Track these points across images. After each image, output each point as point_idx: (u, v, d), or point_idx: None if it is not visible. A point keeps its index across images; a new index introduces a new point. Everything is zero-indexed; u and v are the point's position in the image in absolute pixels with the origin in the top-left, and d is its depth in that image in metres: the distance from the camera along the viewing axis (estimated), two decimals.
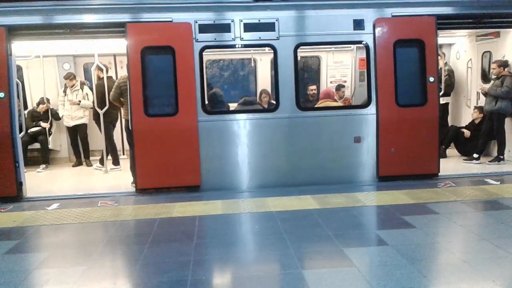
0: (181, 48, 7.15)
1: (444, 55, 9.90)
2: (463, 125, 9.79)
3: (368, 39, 7.48)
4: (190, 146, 7.22)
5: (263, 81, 10.42)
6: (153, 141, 7.17)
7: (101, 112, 8.93)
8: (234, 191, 7.31)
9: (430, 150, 7.62)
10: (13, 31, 7.06)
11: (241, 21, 7.28)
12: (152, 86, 7.25)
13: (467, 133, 9.36)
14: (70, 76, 9.54)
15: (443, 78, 9.40)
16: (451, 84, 9.89)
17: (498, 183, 7.26)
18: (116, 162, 9.40)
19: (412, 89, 7.62)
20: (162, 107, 7.35)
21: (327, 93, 8.54)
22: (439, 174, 7.71)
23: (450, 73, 9.87)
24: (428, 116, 7.55)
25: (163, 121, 7.23)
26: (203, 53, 7.27)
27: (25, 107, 9.82)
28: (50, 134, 9.93)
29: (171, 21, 7.15)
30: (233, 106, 8.95)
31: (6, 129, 7.02)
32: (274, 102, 7.74)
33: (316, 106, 8.28)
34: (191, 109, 7.19)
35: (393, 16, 7.47)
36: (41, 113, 9.90)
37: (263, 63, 10.48)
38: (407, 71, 7.60)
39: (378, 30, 7.41)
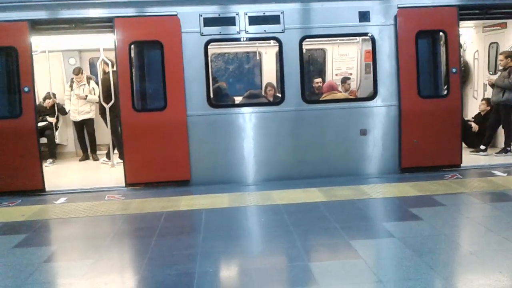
0: (169, 43, 7.12)
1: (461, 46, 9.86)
2: (470, 116, 9.73)
3: (374, 31, 7.43)
4: (179, 141, 7.21)
5: (268, 74, 10.40)
6: (142, 135, 7.18)
7: (107, 106, 8.95)
8: (232, 185, 7.25)
9: (452, 141, 7.61)
10: (36, 25, 7.09)
11: (246, 14, 7.26)
12: (140, 81, 7.31)
13: (475, 127, 9.28)
14: (79, 71, 9.57)
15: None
16: (465, 75, 9.82)
17: (505, 174, 7.22)
18: (122, 156, 9.40)
19: (435, 81, 7.63)
20: (150, 102, 7.39)
21: (331, 85, 8.53)
22: (461, 165, 7.69)
23: (466, 65, 9.81)
24: (451, 107, 7.53)
25: (151, 116, 7.24)
26: (208, 47, 7.26)
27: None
28: (56, 129, 9.97)
29: (176, 15, 7.13)
30: (238, 99, 8.94)
31: (32, 123, 7.10)
32: (280, 95, 7.73)
33: (322, 99, 8.25)
34: (179, 103, 7.16)
35: (398, 7, 7.41)
36: (48, 108, 9.93)
37: (268, 56, 10.45)
38: (430, 63, 7.59)
39: (400, 20, 7.36)
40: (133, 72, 7.18)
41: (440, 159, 7.63)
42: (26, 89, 7.02)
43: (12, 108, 7.33)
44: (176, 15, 7.12)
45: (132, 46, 7.14)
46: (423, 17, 7.45)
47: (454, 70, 7.50)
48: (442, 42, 7.62)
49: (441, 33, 7.59)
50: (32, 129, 7.11)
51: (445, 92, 7.62)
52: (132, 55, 7.17)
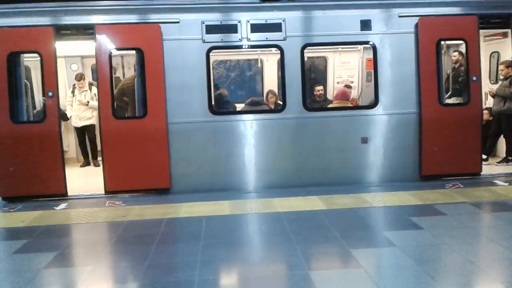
0: (150, 50, 7.13)
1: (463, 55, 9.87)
2: None
3: (376, 39, 7.45)
4: (159, 149, 7.18)
5: (270, 81, 10.41)
6: (121, 143, 7.16)
7: None
8: (231, 192, 7.23)
9: (472, 149, 7.60)
10: (60, 30, 7.14)
11: (248, 21, 7.29)
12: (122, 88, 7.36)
13: None
14: (81, 77, 9.60)
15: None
16: None
17: (507, 184, 7.21)
18: None
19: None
20: (131, 109, 7.41)
21: (344, 93, 8.40)
22: (481, 173, 7.70)
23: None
24: (471, 115, 7.56)
25: (131, 124, 7.27)
26: (210, 54, 7.29)
27: (33, 107, 9.88)
28: None
29: (178, 22, 7.17)
30: (239, 107, 8.94)
31: (55, 128, 7.11)
32: (281, 103, 7.75)
33: (330, 106, 8.24)
34: (160, 111, 7.13)
35: (400, 16, 7.43)
36: None
37: (269, 63, 10.47)
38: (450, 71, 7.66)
39: (421, 29, 7.39)
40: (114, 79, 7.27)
41: (460, 167, 7.62)
42: (50, 93, 7.05)
43: (36, 112, 7.37)
44: (178, 22, 7.15)
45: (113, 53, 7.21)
46: (443, 26, 7.49)
47: (474, 78, 7.54)
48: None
49: (461, 42, 7.66)
50: (55, 133, 7.12)
51: (466, 100, 7.67)
52: (112, 61, 7.23)
